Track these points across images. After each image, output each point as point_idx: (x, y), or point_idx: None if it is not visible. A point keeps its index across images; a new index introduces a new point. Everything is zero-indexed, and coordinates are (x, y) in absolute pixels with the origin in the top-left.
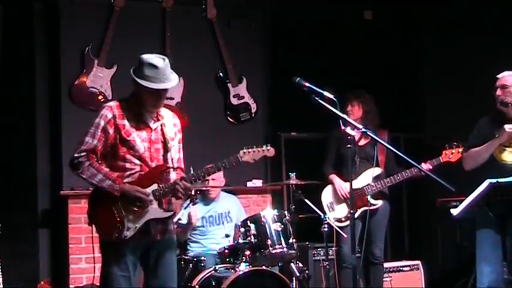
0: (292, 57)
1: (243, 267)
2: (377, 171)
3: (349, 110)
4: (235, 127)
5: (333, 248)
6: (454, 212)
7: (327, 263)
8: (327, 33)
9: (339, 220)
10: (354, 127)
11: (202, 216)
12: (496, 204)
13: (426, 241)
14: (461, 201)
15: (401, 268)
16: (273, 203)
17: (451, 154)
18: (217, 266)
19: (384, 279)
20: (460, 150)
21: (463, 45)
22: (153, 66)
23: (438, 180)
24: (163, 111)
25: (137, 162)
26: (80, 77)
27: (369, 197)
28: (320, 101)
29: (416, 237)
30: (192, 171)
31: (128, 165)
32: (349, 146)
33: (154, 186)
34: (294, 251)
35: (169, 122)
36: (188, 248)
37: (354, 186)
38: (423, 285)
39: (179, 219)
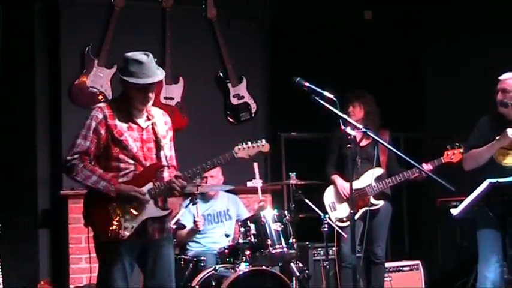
0: (292, 57)
1: (243, 267)
2: (378, 171)
3: (351, 111)
4: (235, 127)
5: (333, 248)
6: (454, 212)
7: (327, 262)
8: (327, 33)
9: (341, 220)
10: (354, 127)
11: (201, 214)
12: (496, 204)
13: (426, 241)
14: (461, 201)
15: (401, 268)
16: (273, 203)
17: (453, 155)
18: (217, 266)
19: (384, 279)
20: (462, 150)
21: (463, 45)
22: (138, 62)
23: (438, 180)
24: (154, 110)
25: (131, 161)
26: (80, 77)
27: (370, 197)
28: (320, 101)
29: (416, 237)
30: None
31: (121, 165)
32: (349, 146)
33: (150, 185)
34: (294, 251)
35: (160, 121)
36: (187, 247)
37: (355, 187)
38: (423, 285)
39: (179, 219)
